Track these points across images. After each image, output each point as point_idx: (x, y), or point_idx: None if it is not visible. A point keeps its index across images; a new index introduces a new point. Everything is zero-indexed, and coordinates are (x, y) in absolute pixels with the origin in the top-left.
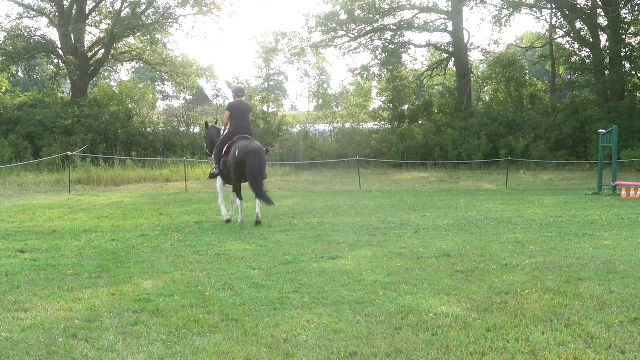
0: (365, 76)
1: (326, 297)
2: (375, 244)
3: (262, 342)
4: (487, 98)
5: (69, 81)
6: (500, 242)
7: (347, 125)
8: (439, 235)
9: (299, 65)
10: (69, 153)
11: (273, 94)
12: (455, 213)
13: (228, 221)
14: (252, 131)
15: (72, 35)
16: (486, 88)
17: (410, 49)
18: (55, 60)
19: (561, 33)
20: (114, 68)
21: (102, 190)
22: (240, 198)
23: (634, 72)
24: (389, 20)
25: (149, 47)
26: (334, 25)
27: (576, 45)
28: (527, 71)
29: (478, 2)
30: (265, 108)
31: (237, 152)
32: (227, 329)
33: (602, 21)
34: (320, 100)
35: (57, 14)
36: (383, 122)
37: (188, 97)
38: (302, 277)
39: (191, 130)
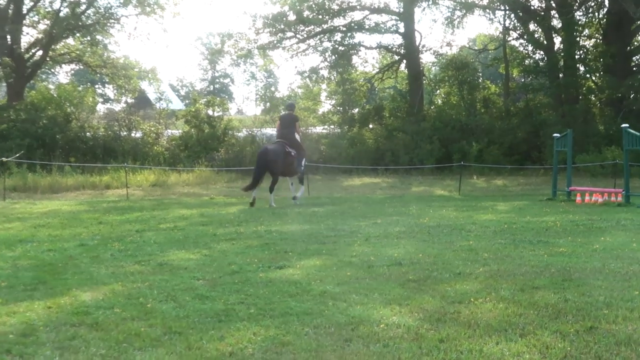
0: (314, 79)
1: (273, 309)
2: (325, 253)
3: (206, 355)
4: (440, 101)
5: (4, 84)
6: (453, 249)
7: None
8: (390, 243)
9: (245, 67)
10: (4, 159)
11: (218, 97)
12: (407, 220)
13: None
14: (292, 136)
15: (9, 37)
16: (438, 91)
17: (360, 50)
18: None
19: (515, 35)
20: (52, 70)
21: (39, 197)
22: (253, 188)
23: (588, 75)
24: (339, 22)
25: (89, 49)
26: (282, 27)
27: (530, 48)
28: (480, 74)
29: (430, 3)
30: (210, 112)
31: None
32: (169, 342)
33: (556, 23)
34: (268, 104)
35: None
36: (332, 126)
37: (130, 101)
38: (248, 287)
39: (133, 134)
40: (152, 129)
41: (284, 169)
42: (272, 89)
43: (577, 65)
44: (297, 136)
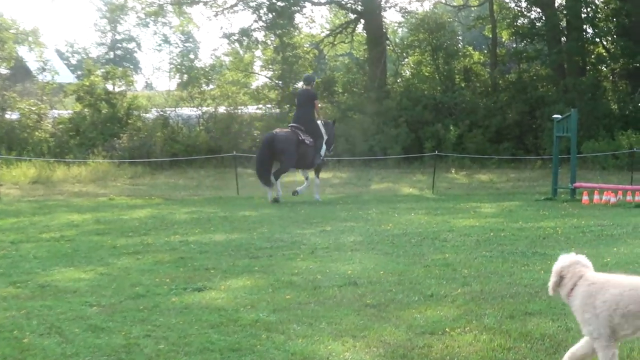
0: (245, 43)
1: (190, 343)
2: (257, 270)
3: None
4: (408, 73)
5: None
6: (424, 264)
7: (222, 109)
8: (342, 256)
9: (155, 28)
10: None
11: (120, 67)
12: (365, 227)
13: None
14: (309, 118)
15: None
16: (406, 60)
17: (305, 7)
18: None
19: None
20: None
21: None
22: (269, 184)
23: (597, 40)
24: None
25: None
26: None
27: (523, 4)
28: (460, 38)
29: None
30: (109, 86)
31: None
32: None
33: None
34: (185, 76)
35: None
36: (269, 106)
37: (3, 72)
38: (157, 315)
39: (7, 115)
40: (33, 108)
41: (298, 161)
42: (191, 56)
43: (584, 26)
44: (318, 119)
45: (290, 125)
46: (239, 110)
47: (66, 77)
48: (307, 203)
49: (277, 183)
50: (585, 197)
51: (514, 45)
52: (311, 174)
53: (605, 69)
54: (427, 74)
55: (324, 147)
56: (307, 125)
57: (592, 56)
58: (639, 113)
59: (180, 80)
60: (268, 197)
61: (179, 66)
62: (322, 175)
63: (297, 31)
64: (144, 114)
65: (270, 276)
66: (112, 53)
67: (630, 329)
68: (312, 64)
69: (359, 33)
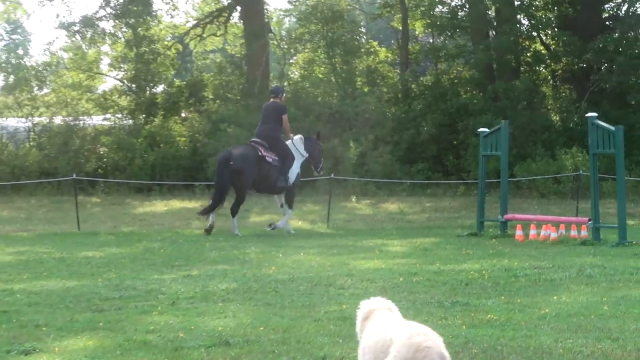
0: (89, 36)
1: None
2: (103, 327)
3: None
4: (297, 74)
5: None
6: (315, 318)
7: (58, 120)
8: (212, 309)
9: None
10: None
11: None
12: (242, 270)
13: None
14: (275, 135)
15: None
16: (295, 58)
17: None
18: None
19: None
20: None
21: None
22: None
23: (534, 34)
24: None
25: None
26: None
27: None
28: (363, 30)
29: None
30: None
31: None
32: None
33: None
34: (11, 77)
35: None
36: (119, 115)
37: None
38: None
39: None
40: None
41: (258, 183)
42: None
43: (518, 16)
44: (289, 137)
45: (251, 140)
46: (81, 122)
47: None
48: (168, 241)
49: (234, 220)
50: (519, 232)
51: (430, 41)
52: (283, 199)
53: (544, 71)
54: (320, 75)
55: (296, 170)
56: (272, 142)
57: (528, 54)
58: (587, 126)
59: (4, 83)
60: (208, 222)
61: (3, 64)
62: (187, 204)
63: (156, 20)
64: None
65: (119, 334)
66: None
67: None
68: (175, 62)
69: (235, 24)
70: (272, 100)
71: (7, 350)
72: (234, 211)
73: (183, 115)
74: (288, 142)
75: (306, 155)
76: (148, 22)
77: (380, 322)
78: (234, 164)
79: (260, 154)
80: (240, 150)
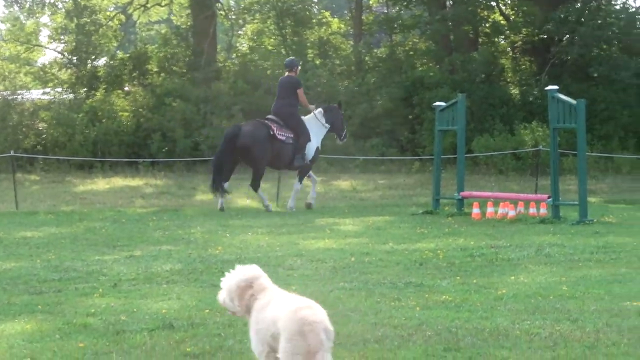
0: (27, 6)
1: None
2: (41, 310)
3: None
4: (245, 46)
5: None
6: None
7: None
8: (155, 291)
9: None
10: None
11: None
12: (187, 251)
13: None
14: (290, 111)
15: None
16: (243, 29)
17: None
18: None
19: None
20: None
21: None
22: (220, 190)
23: (493, 3)
24: None
25: None
26: None
27: None
28: (315, 0)
29: None
30: None
31: None
32: None
33: None
34: None
35: None
36: (60, 89)
37: None
38: None
39: None
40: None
41: (273, 162)
42: None
43: None
44: (306, 108)
45: (266, 117)
46: (19, 96)
47: None
48: (110, 220)
49: (260, 193)
50: (476, 210)
51: (385, 11)
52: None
53: (503, 42)
54: (270, 47)
55: (315, 144)
56: (286, 119)
57: (487, 25)
58: (547, 100)
59: None
60: (218, 205)
61: None
62: (130, 182)
63: None
64: None
65: (58, 318)
66: None
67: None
68: (118, 34)
69: None
70: (286, 74)
71: None
72: (255, 186)
73: (126, 89)
74: (310, 116)
75: (328, 126)
76: None
77: (270, 294)
78: (241, 141)
79: (271, 132)
80: (249, 128)
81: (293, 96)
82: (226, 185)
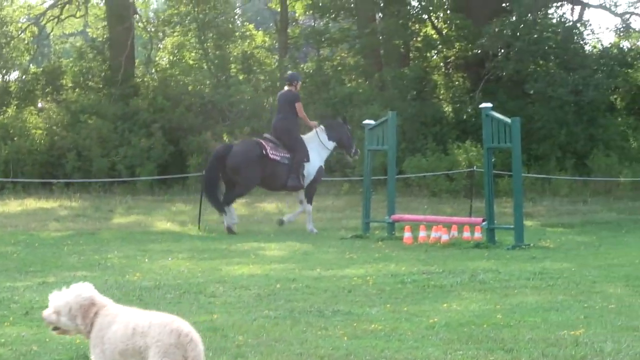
0: None
1: None
2: None
3: None
4: (165, 60)
5: None
6: None
7: None
8: None
9: None
10: None
11: None
12: (103, 277)
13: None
14: (288, 127)
15: None
16: (163, 42)
17: None
18: None
19: None
20: None
21: None
22: (221, 209)
23: (425, 16)
24: None
25: None
26: None
27: None
28: (238, 12)
29: None
30: None
31: None
32: None
33: None
34: None
35: None
36: None
37: None
38: None
39: None
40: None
41: (266, 182)
42: None
43: None
44: (308, 125)
45: (264, 135)
46: None
47: None
48: (22, 244)
49: (230, 209)
50: (407, 234)
51: (312, 24)
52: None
53: (435, 57)
54: (191, 62)
55: (318, 164)
56: (282, 135)
57: (418, 39)
58: (481, 118)
59: None
60: (224, 225)
61: None
62: (43, 204)
63: (9, 0)
64: None
65: None
66: None
67: None
68: (30, 47)
69: (96, 4)
70: (286, 88)
71: None
72: (227, 200)
73: (39, 105)
74: (311, 134)
75: (332, 145)
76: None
77: (112, 310)
78: (230, 161)
79: (264, 152)
80: (240, 148)
81: (291, 111)
82: (224, 203)
